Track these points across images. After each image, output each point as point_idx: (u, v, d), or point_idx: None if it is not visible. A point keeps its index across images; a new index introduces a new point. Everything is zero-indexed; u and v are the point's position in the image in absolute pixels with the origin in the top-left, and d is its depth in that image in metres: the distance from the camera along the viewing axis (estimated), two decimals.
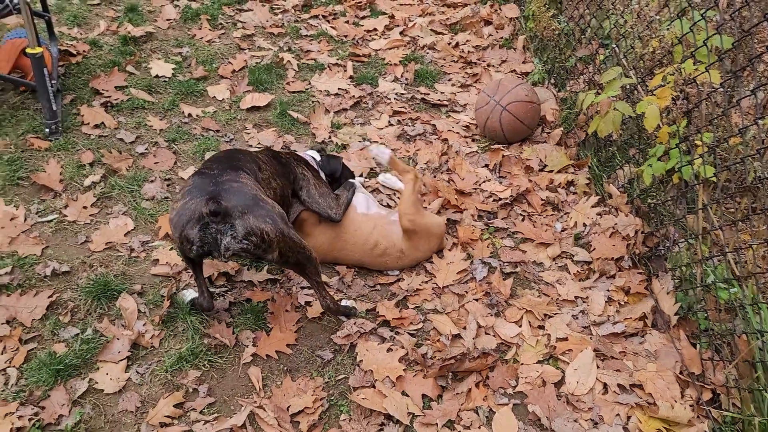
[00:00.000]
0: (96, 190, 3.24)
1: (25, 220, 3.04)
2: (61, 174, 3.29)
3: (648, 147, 3.15)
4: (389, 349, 2.68)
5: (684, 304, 2.81)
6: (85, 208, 3.14)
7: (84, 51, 4.24)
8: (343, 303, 2.81)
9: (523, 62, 4.72)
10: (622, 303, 2.94)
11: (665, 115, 2.69)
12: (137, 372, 2.50)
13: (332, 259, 3.07)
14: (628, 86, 3.07)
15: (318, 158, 3.23)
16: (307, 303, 2.86)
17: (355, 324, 2.76)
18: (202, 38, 4.64)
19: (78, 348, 2.52)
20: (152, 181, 3.34)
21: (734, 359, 2.50)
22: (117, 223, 3.09)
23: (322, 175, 3.18)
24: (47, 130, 3.47)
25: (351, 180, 3.21)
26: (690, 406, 2.48)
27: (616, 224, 3.15)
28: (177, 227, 2.33)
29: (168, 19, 4.78)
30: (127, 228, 3.08)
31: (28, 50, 3.27)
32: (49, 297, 2.69)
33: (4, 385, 2.39)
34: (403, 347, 2.69)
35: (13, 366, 2.45)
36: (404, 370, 2.60)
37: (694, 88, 2.58)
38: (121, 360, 2.52)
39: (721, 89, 2.43)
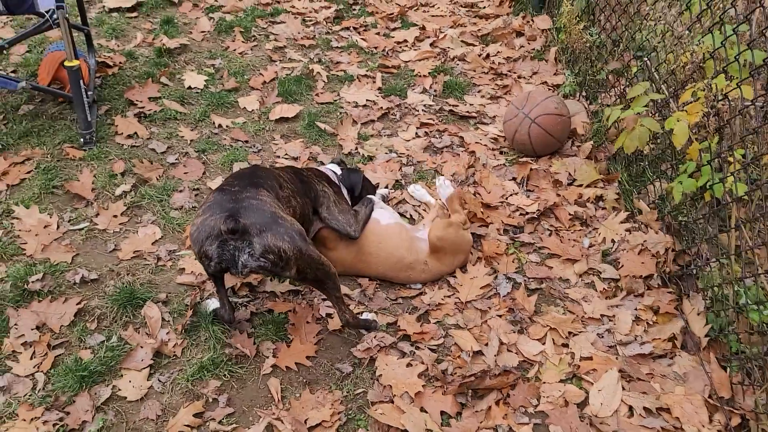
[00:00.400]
0: (126, 200, 3.31)
1: (58, 227, 3.12)
2: (93, 183, 3.38)
3: (680, 162, 3.07)
4: (409, 364, 2.66)
5: (715, 325, 2.73)
6: (115, 216, 3.21)
7: (120, 62, 4.35)
8: (364, 316, 2.81)
9: (555, 74, 4.67)
10: (651, 323, 2.87)
11: (696, 132, 2.62)
12: (159, 380, 2.54)
13: (355, 272, 3.07)
14: (659, 101, 3.01)
15: (339, 172, 3.25)
16: (328, 315, 2.86)
17: (375, 338, 2.75)
18: (235, 50, 4.72)
19: (103, 355, 2.57)
20: (181, 191, 3.40)
21: (765, 384, 2.41)
22: (145, 231, 3.15)
23: (343, 189, 3.19)
24: (82, 139, 3.56)
25: (370, 196, 3.21)
26: (718, 431, 2.40)
27: (645, 241, 3.08)
28: (196, 243, 2.36)
29: (202, 31, 4.88)
30: (155, 237, 3.13)
31: (66, 63, 3.36)
32: (77, 304, 2.75)
33: (32, 390, 2.45)
34: (423, 362, 2.67)
35: (41, 371, 2.51)
36: (423, 386, 2.58)
37: (726, 104, 2.51)
38: (144, 368, 2.56)
39: (754, 105, 2.35)
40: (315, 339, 2.76)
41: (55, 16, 3.24)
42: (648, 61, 3.01)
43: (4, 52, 4.27)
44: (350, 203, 3.21)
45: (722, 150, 2.50)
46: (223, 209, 2.35)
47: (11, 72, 4.19)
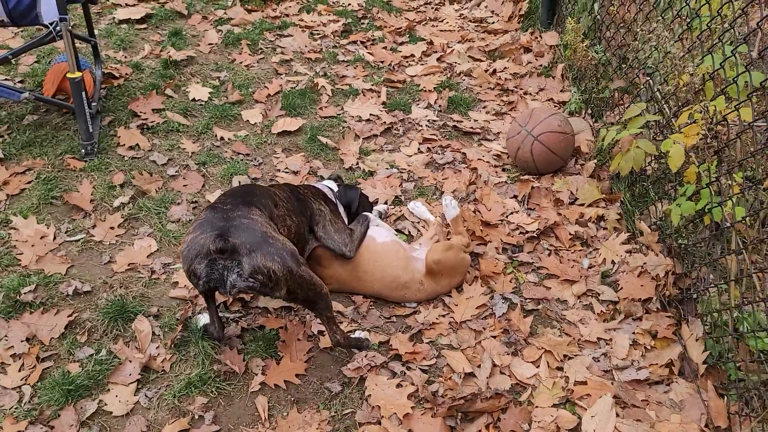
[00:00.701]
0: (124, 211, 3.31)
1: (54, 238, 3.13)
2: (92, 194, 3.39)
3: (681, 184, 3.01)
4: (399, 385, 2.63)
5: (714, 352, 2.66)
6: (112, 228, 3.22)
7: (126, 74, 4.38)
8: (356, 335, 2.78)
9: (561, 91, 4.63)
10: (648, 347, 2.81)
11: (695, 154, 2.57)
12: (146, 396, 2.52)
13: (350, 289, 3.04)
14: (660, 121, 2.96)
15: (335, 189, 3.23)
16: (320, 332, 2.83)
17: (365, 357, 2.72)
18: (241, 63, 4.73)
19: (91, 369, 2.56)
20: (179, 204, 3.40)
21: (763, 413, 2.34)
22: (141, 244, 3.15)
23: (340, 206, 3.17)
24: (83, 150, 3.58)
25: (366, 213, 3.18)
26: None
27: (645, 264, 3.02)
28: (186, 261, 2.35)
29: (210, 44, 4.90)
30: (150, 249, 3.13)
31: (68, 75, 3.38)
32: (68, 316, 2.75)
33: (18, 403, 2.44)
34: (413, 383, 2.63)
35: (28, 384, 2.50)
36: (412, 407, 2.54)
37: (725, 126, 2.46)
38: (132, 383, 2.55)
39: (754, 127, 2.30)
40: (305, 356, 2.73)
41: (58, 28, 3.26)
42: (650, 81, 2.96)
43: (12, 62, 4.32)
44: (347, 220, 3.19)
45: (721, 173, 2.44)
46: (214, 228, 2.34)
47: (18, 82, 4.24)
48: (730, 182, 2.42)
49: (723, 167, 2.46)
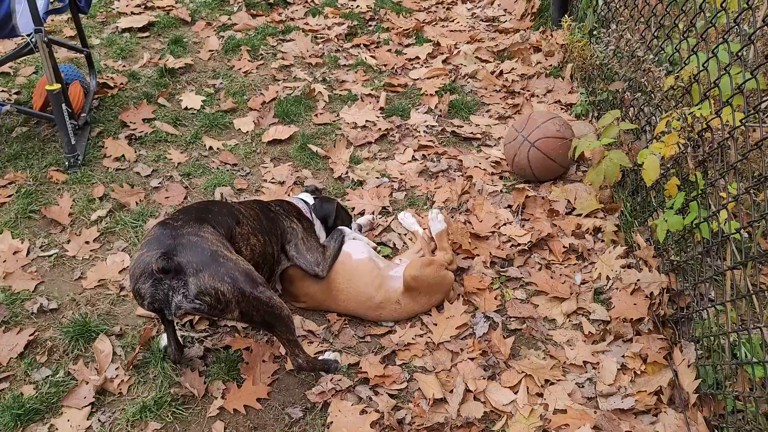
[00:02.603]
0: (100, 225, 3.25)
1: (28, 254, 3.08)
2: (72, 207, 3.34)
3: (691, 190, 2.77)
4: (363, 411, 2.47)
5: (709, 379, 2.42)
6: (87, 243, 3.16)
7: (121, 83, 4.35)
8: (325, 356, 2.64)
9: (570, 92, 4.39)
10: (638, 372, 2.59)
11: (674, 165, 2.34)
12: (99, 420, 2.43)
13: (325, 308, 2.91)
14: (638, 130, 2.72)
15: (311, 202, 3.09)
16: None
17: (331, 380, 2.57)
18: (239, 69, 4.65)
19: (45, 391, 2.49)
20: (157, 217, 3.32)
21: None
22: (114, 259, 3.07)
23: (316, 221, 3.03)
24: (66, 163, 3.54)
25: (341, 228, 3.03)
26: None
27: (639, 280, 2.79)
28: (131, 279, 2.25)
29: (210, 50, 4.84)
30: (123, 265, 3.06)
31: (46, 87, 3.35)
32: (30, 335, 2.69)
33: None
34: (378, 410, 2.48)
35: None
36: None
37: (709, 132, 2.21)
38: (85, 406, 2.46)
39: (732, 136, 2.05)
40: (270, 379, 2.60)
41: (34, 39, 3.22)
42: (644, 82, 2.73)
43: (10, 73, 4.34)
44: (325, 233, 3.06)
45: (707, 184, 2.20)
46: (161, 245, 2.23)
47: (15, 93, 4.24)
48: (723, 192, 2.18)
49: (712, 176, 2.22)
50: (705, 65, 2.13)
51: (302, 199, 3.09)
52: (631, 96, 3.22)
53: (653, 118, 2.89)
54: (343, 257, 2.90)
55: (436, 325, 2.84)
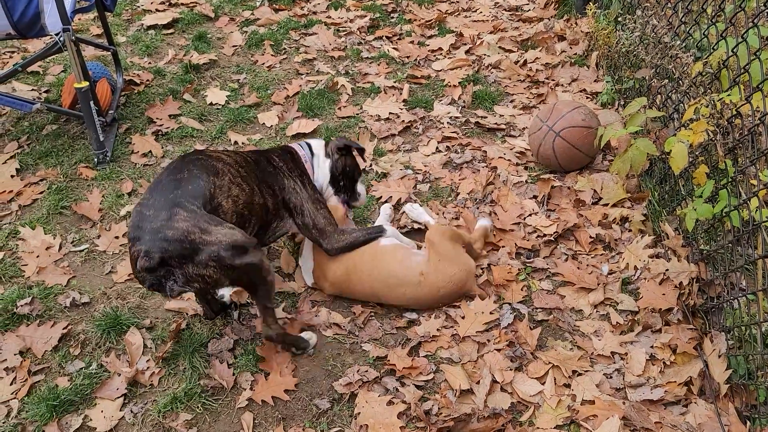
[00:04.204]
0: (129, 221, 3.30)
1: (60, 249, 3.15)
2: (101, 203, 3.40)
3: (721, 178, 2.72)
4: (390, 402, 2.48)
5: (740, 370, 2.39)
6: (116, 238, 3.21)
7: (148, 80, 4.40)
8: (302, 335, 2.70)
9: (595, 81, 4.34)
10: (667, 363, 2.56)
11: (703, 152, 2.29)
12: (131, 411, 2.48)
13: (349, 292, 2.91)
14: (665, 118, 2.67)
15: (319, 153, 3.04)
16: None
17: (358, 372, 2.59)
18: (263, 64, 4.68)
19: (79, 383, 2.54)
20: None
21: None
22: None
23: (318, 173, 3.01)
24: (95, 159, 3.60)
25: (384, 226, 2.99)
26: None
27: (667, 270, 2.76)
28: (132, 265, 2.33)
29: (234, 46, 4.87)
30: None
31: (75, 84, 3.40)
32: (63, 329, 2.75)
33: (5, 418, 2.45)
34: (405, 401, 2.49)
35: (17, 398, 2.51)
36: (402, 427, 2.39)
37: (739, 119, 2.17)
38: (118, 397, 2.51)
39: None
40: (291, 369, 2.62)
41: (62, 39, 3.28)
42: (671, 69, 2.69)
43: (40, 72, 4.42)
44: (334, 189, 3.04)
45: (738, 172, 2.17)
46: (142, 241, 2.26)
47: (45, 92, 4.32)
48: (754, 180, 2.14)
49: (743, 163, 2.18)
50: (735, 50, 2.10)
51: (308, 144, 3.06)
52: (658, 83, 3.17)
53: (681, 105, 2.85)
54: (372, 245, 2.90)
55: (463, 318, 2.82)
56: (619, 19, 3.88)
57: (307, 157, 3.00)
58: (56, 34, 3.32)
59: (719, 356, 2.42)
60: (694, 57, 2.42)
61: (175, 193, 2.38)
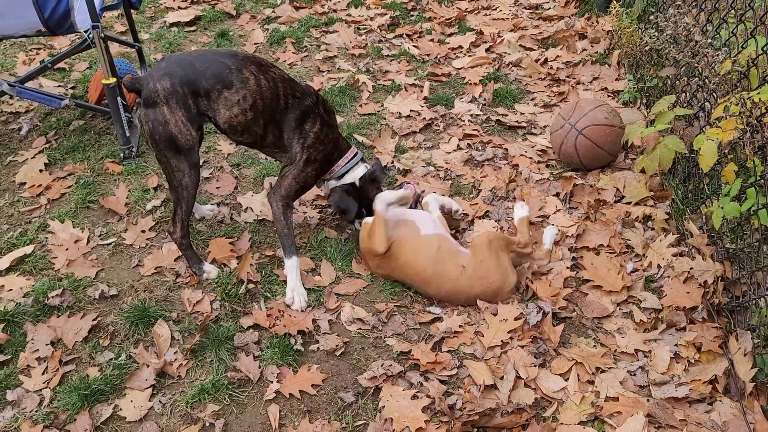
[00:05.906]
0: (156, 215, 3.35)
1: (88, 242, 3.20)
2: (127, 198, 3.45)
3: (748, 176, 2.71)
4: (415, 396, 2.51)
5: (767, 369, 2.39)
6: (143, 231, 3.26)
7: None
8: (204, 266, 2.98)
9: (617, 79, 4.34)
10: (692, 361, 2.56)
11: (732, 151, 2.30)
12: (160, 401, 2.52)
13: (395, 277, 2.98)
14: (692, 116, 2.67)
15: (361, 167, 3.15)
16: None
17: (382, 366, 2.62)
18: (285, 61, 4.71)
19: (109, 373, 2.59)
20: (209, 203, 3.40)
21: None
22: (170, 247, 3.16)
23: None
24: (121, 154, 3.65)
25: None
26: None
27: (692, 268, 2.76)
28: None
29: (255, 43, 4.91)
30: (178, 252, 3.14)
31: (102, 80, 3.45)
32: (93, 320, 2.80)
33: (38, 406, 2.50)
34: (429, 395, 2.51)
35: (49, 387, 2.56)
36: (426, 421, 2.42)
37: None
38: (147, 388, 2.56)
39: None
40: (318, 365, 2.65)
41: (92, 36, 3.33)
42: (699, 68, 2.69)
43: (66, 69, 4.48)
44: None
45: (767, 170, 2.17)
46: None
47: (71, 88, 4.39)
48: None
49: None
50: (765, 49, 2.10)
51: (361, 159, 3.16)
52: (684, 82, 3.17)
53: (707, 103, 2.85)
54: (412, 231, 2.93)
55: (488, 328, 2.80)
56: (643, 17, 3.87)
57: (350, 156, 3.10)
58: (85, 31, 3.37)
59: (745, 354, 2.42)
60: (723, 55, 2.42)
61: (189, 75, 2.68)
